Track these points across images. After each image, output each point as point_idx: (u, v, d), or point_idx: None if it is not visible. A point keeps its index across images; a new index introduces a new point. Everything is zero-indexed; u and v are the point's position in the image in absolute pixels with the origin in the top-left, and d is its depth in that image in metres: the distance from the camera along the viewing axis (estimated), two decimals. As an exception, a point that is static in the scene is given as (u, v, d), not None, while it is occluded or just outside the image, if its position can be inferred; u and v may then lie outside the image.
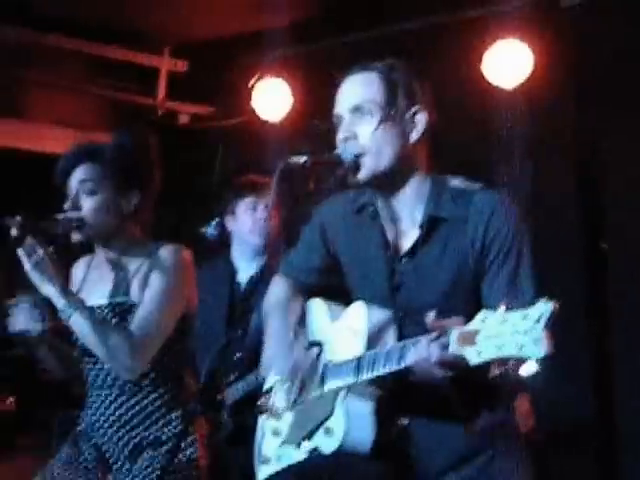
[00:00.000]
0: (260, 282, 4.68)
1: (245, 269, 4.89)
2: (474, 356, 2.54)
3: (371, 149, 2.92)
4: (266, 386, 3.42)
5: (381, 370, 2.84)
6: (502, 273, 2.90)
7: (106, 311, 3.40)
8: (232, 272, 4.90)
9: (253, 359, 4.41)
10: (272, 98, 6.07)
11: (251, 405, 3.55)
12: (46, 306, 3.38)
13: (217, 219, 4.95)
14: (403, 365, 2.77)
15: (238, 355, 4.39)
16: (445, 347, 2.62)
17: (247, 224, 4.87)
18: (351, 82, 3.02)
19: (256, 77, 6.04)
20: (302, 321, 3.27)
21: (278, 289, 3.33)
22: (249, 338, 4.06)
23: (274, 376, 3.31)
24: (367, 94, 2.96)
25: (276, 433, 3.21)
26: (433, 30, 5.45)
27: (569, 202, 5.20)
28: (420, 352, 2.69)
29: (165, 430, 3.37)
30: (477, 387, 2.83)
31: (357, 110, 2.96)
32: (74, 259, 3.64)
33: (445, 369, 2.66)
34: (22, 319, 3.38)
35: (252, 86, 6.06)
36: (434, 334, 2.67)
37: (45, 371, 3.55)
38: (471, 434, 2.93)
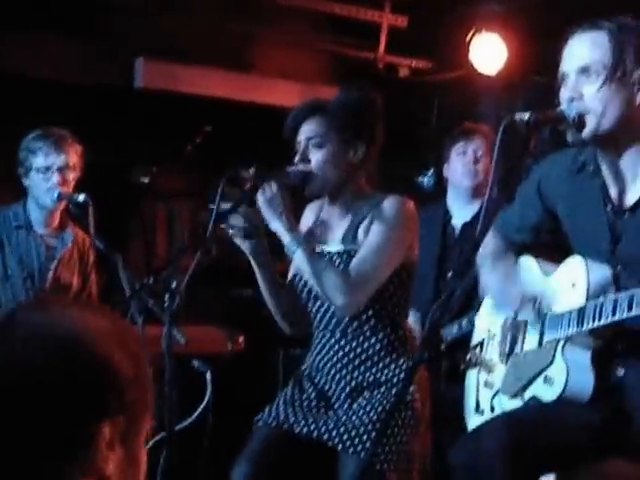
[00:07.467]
0: (473, 227, 4.76)
1: (459, 215, 4.98)
2: None
3: (596, 109, 2.88)
4: (474, 341, 3.50)
5: (610, 318, 2.85)
6: None
7: (341, 257, 3.47)
8: (447, 217, 5.00)
9: (466, 303, 4.57)
10: (488, 52, 6.09)
11: (463, 346, 3.65)
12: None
13: (432, 169, 5.08)
14: (639, 311, 2.76)
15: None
16: None
17: (458, 169, 4.98)
18: (579, 41, 2.96)
19: (473, 31, 6.06)
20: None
21: (493, 243, 3.35)
22: (465, 282, 4.15)
23: (483, 330, 3.39)
24: (596, 55, 2.90)
25: (488, 385, 3.30)
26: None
27: None
28: None
29: (384, 373, 3.44)
30: None
31: (584, 71, 2.91)
32: (302, 208, 3.72)
33: None
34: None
35: (469, 40, 6.09)
36: None
37: (266, 306, 3.69)
38: None
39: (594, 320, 2.90)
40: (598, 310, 2.90)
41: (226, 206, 3.38)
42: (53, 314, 1.57)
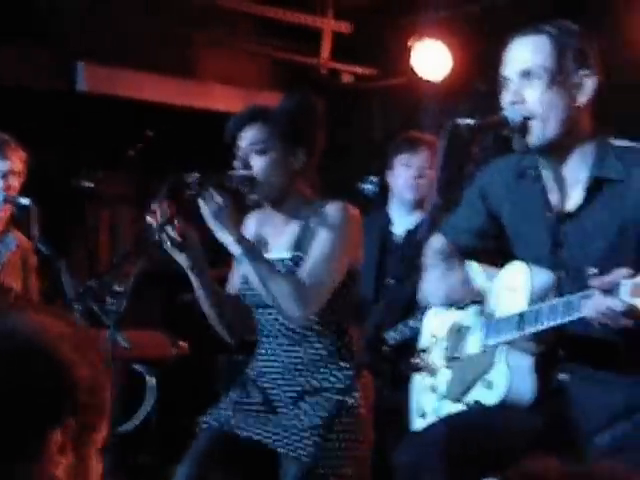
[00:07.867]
0: (416, 236, 4.77)
1: (401, 223, 4.96)
2: None
3: (540, 114, 2.90)
4: (420, 346, 3.49)
5: (547, 323, 2.87)
6: None
7: (286, 265, 3.46)
8: (387, 223, 4.98)
9: (407, 309, 4.53)
10: (432, 59, 6.09)
11: (404, 352, 3.67)
12: None
13: (375, 176, 5.07)
14: (574, 316, 2.78)
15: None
16: (616, 298, 2.63)
17: (401, 179, 4.94)
18: (521, 45, 2.98)
19: (414, 38, 6.06)
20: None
21: (438, 244, 3.34)
22: (407, 288, 4.17)
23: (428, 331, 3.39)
24: (537, 59, 2.92)
25: (433, 389, 3.30)
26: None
27: None
28: (593, 303, 2.70)
29: (329, 378, 3.44)
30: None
31: (526, 74, 2.92)
32: (245, 214, 3.70)
33: (618, 320, 2.66)
34: None
35: (411, 47, 6.10)
36: (604, 285, 2.67)
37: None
38: (630, 392, 2.93)
39: (533, 325, 2.92)
40: (537, 315, 2.92)
41: (162, 219, 3.35)
42: (9, 320, 1.56)
